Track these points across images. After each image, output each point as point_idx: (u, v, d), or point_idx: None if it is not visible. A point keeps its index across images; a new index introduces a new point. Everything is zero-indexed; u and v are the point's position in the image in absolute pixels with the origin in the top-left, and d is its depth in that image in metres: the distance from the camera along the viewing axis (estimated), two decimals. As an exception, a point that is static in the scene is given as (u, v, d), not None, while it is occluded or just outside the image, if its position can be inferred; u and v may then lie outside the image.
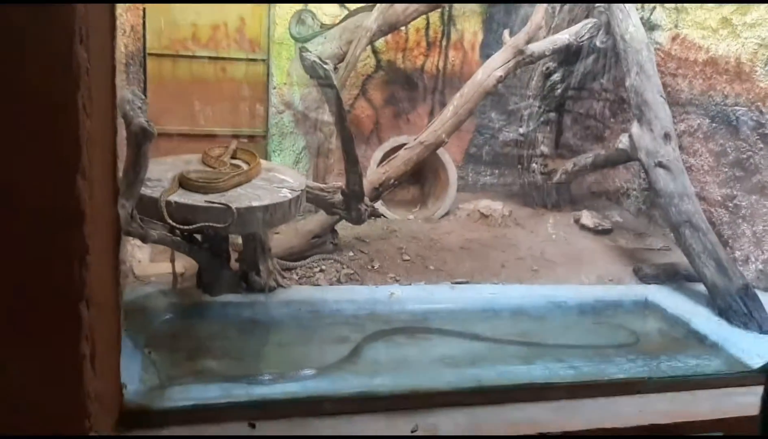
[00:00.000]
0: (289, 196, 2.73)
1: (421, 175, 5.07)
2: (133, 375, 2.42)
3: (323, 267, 3.66)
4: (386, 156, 4.37)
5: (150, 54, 4.38)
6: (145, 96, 4.41)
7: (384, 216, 4.46)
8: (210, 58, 4.55)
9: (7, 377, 1.95)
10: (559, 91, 4.93)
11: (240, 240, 3.22)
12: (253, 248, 3.17)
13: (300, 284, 3.48)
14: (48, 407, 2.01)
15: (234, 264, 3.23)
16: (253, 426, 2.26)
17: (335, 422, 2.31)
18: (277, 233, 3.85)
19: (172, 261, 2.57)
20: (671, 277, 3.88)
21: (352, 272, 3.65)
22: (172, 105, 4.53)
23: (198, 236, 2.79)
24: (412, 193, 5.12)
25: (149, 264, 3.50)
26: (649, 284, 3.89)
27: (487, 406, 2.50)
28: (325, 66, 2.85)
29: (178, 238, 2.47)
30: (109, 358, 2.14)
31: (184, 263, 3.19)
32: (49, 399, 2.00)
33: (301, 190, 2.82)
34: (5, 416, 1.96)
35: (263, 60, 4.64)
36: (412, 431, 2.31)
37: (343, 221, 3.67)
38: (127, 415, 2.20)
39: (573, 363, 2.83)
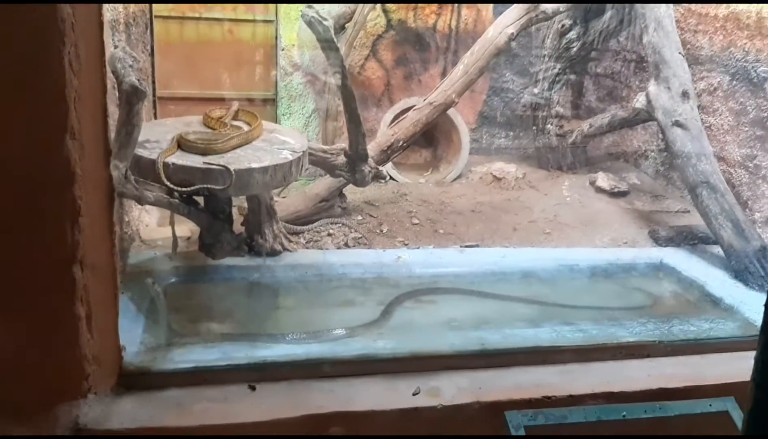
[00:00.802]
0: (290, 157, 2.68)
1: (434, 138, 4.98)
2: (135, 338, 2.42)
3: (331, 231, 3.62)
4: (397, 118, 4.29)
5: (157, 16, 4.32)
6: (153, 59, 4.40)
7: (392, 178, 4.40)
8: (217, 19, 4.48)
9: (1, 339, 1.95)
10: (575, 49, 4.78)
11: (246, 203, 3.19)
12: (258, 211, 3.14)
13: (307, 248, 3.45)
14: (45, 368, 2.01)
15: (240, 227, 3.20)
16: (253, 388, 2.25)
17: (334, 385, 2.30)
18: (283, 197, 3.82)
19: (172, 224, 2.54)
20: (687, 239, 3.78)
21: (360, 236, 3.61)
22: (180, 68, 4.48)
23: (200, 199, 2.76)
24: (425, 157, 5.04)
25: (156, 228, 3.49)
26: (665, 246, 3.80)
27: (491, 369, 2.47)
28: (324, 22, 2.77)
29: (176, 200, 2.44)
30: (107, 319, 2.13)
31: (191, 227, 3.17)
32: (45, 361, 2.00)
33: (303, 151, 2.77)
34: (2, 378, 1.97)
35: (271, 21, 4.55)
36: (413, 394, 2.29)
37: (356, 185, 3.61)
38: (126, 376, 2.21)
39: (582, 326, 2.77)
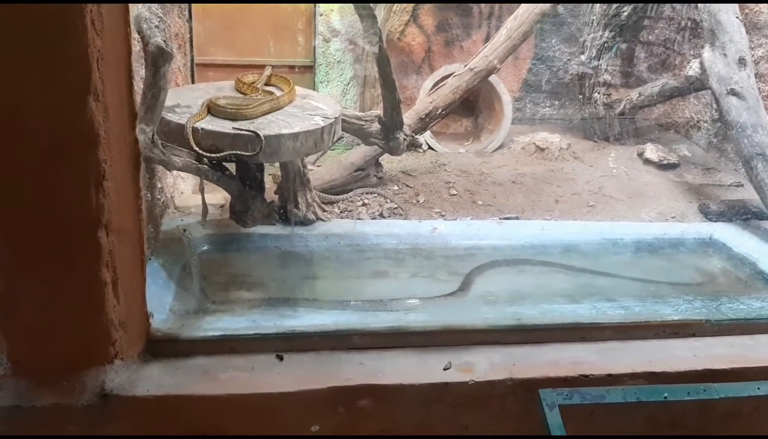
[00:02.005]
0: (322, 124, 2.60)
1: (475, 107, 4.85)
2: (164, 304, 2.40)
3: (366, 201, 3.56)
4: (437, 86, 4.17)
5: (194, -18, 4.27)
6: (191, 26, 4.36)
7: (431, 148, 4.30)
8: (255, -16, 4.41)
9: (27, 305, 1.94)
10: (625, 14, 4.56)
11: (279, 171, 3.14)
12: (292, 179, 3.09)
13: (341, 218, 3.39)
14: (71, 334, 1.99)
15: (272, 195, 3.16)
16: (280, 358, 2.21)
17: (364, 357, 2.24)
18: (318, 165, 3.76)
19: (202, 191, 2.50)
20: (740, 214, 3.59)
21: (395, 206, 3.53)
22: (218, 34, 4.44)
23: (232, 166, 2.72)
24: (465, 126, 4.91)
25: (191, 195, 3.47)
26: (715, 221, 3.62)
27: (527, 345, 2.37)
28: (357, -17, 2.67)
29: (205, 166, 2.39)
30: (133, 285, 2.10)
31: (225, 195, 3.13)
32: (71, 327, 1.98)
33: (335, 118, 2.69)
34: (28, 344, 1.97)
35: (309, -15, 4.46)
36: (444, 369, 2.22)
37: (390, 153, 3.53)
38: (154, 343, 2.19)
39: (623, 303, 2.65)
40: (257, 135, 2.39)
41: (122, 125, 1.97)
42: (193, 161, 2.34)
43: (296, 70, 4.53)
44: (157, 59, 2.00)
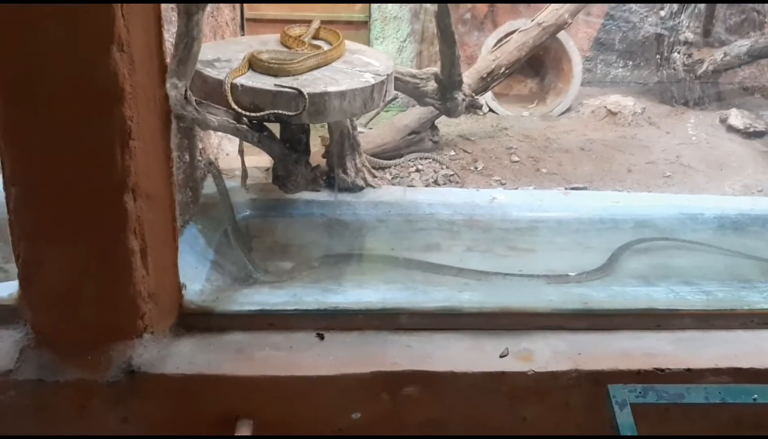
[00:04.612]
0: (372, 81, 2.38)
1: (542, 67, 4.54)
2: (200, 275, 2.25)
3: (420, 167, 3.34)
4: (500, 43, 3.88)
5: (245, -67, 4.07)
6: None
7: (492, 110, 4.03)
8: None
9: (50, 272, 1.81)
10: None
11: (327, 134, 2.95)
12: (341, 142, 2.89)
13: (393, 184, 3.19)
14: (98, 305, 1.85)
15: (320, 159, 2.97)
16: (321, 337, 2.03)
17: (412, 339, 2.03)
18: (370, 128, 3.55)
19: (241, 153, 2.33)
20: (839, 189, 3.23)
21: (451, 173, 3.30)
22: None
23: (275, 126, 2.53)
24: (530, 87, 4.62)
25: (237, 157, 3.31)
26: (810, 196, 3.27)
27: (595, 332, 2.12)
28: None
29: (245, 126, 2.21)
30: (164, 255, 1.94)
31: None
32: (97, 298, 1.83)
33: (387, 75, 2.46)
34: (51, 314, 1.85)
35: (365, -64, 4.21)
36: (501, 356, 2.00)
37: (447, 115, 3.28)
38: (186, 316, 2.03)
39: (705, 287, 2.37)
40: (300, 93, 2.19)
41: (151, 79, 1.79)
42: (231, 121, 2.16)
43: (348, 26, 4.30)
44: (190, 6, 1.81)
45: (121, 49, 1.64)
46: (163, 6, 2.09)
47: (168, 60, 1.93)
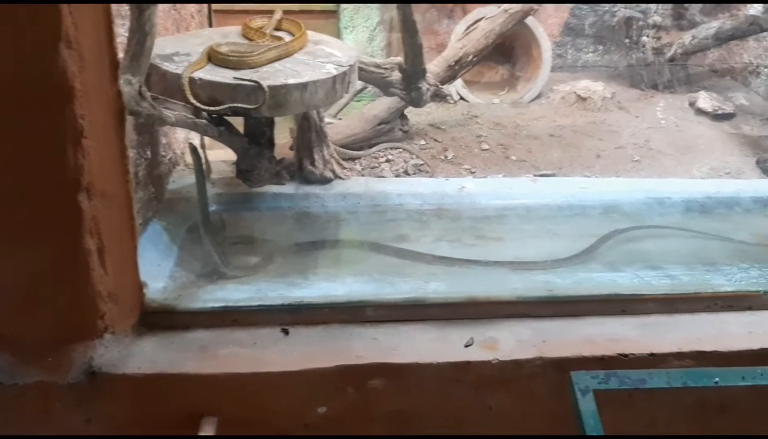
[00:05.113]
0: (334, 72, 2.35)
1: (512, 53, 4.52)
2: (163, 272, 2.23)
3: (390, 157, 3.32)
4: (469, 30, 3.85)
5: None
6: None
7: (462, 98, 4.01)
8: None
9: (6, 275, 1.77)
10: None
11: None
12: (308, 134, 2.86)
13: (363, 175, 3.17)
14: (56, 306, 1.81)
15: (287, 152, 2.95)
16: (286, 332, 2.02)
17: (378, 331, 2.03)
18: (339, 118, 3.52)
19: (202, 147, 2.30)
20: (804, 170, 3.27)
21: (421, 162, 3.29)
22: (235, -21, 4.18)
23: (240, 120, 2.50)
24: (501, 74, 4.59)
25: (202, 152, 3.27)
26: (776, 178, 3.29)
27: (559, 319, 2.13)
28: None
29: (204, 121, 2.18)
30: (123, 254, 1.92)
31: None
32: (55, 299, 1.80)
33: (350, 66, 2.43)
34: (10, 316, 1.81)
35: None
36: (466, 345, 2.00)
37: (412, 104, 3.26)
38: (148, 315, 2.01)
39: (670, 271, 2.39)
40: (260, 85, 2.16)
41: (102, 76, 1.76)
42: (189, 115, 2.13)
43: (317, 15, 4.25)
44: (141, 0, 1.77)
45: (70, 47, 1.61)
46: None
47: (121, 56, 1.91)
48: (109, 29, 1.75)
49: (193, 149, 2.34)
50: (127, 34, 1.91)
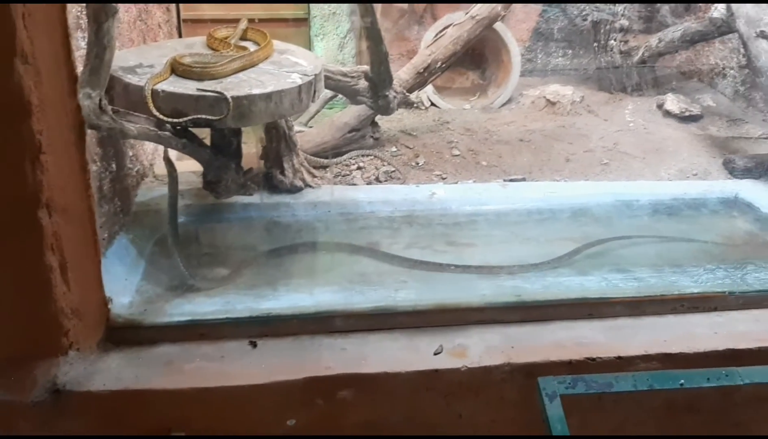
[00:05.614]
0: (299, 82, 2.35)
1: (483, 59, 4.54)
2: (130, 287, 2.20)
3: (361, 164, 3.31)
4: (438, 37, 3.86)
5: (173, -74, 3.97)
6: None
7: (434, 104, 4.02)
8: (243, -68, 4.10)
9: (-33, 294, 1.76)
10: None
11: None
12: (277, 143, 2.85)
13: (334, 183, 3.16)
14: (18, 325, 1.79)
15: (259, 161, 2.94)
16: (254, 345, 2.01)
17: (347, 341, 2.03)
18: (310, 127, 3.52)
19: (166, 161, 2.28)
20: (769, 170, 3.31)
21: (393, 169, 3.28)
22: (204, -13, 4.15)
23: (206, 131, 2.48)
24: (472, 80, 4.60)
25: (174, 162, 3.24)
26: (742, 178, 3.33)
27: (528, 324, 2.14)
28: None
29: (167, 133, 2.16)
30: (86, 269, 1.89)
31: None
32: (18, 317, 1.79)
33: (315, 75, 2.43)
34: (-29, 336, 1.79)
35: (301, -69, 4.14)
36: (435, 353, 2.01)
37: (380, 112, 3.26)
38: (114, 331, 1.99)
39: (637, 274, 2.41)
40: (224, 96, 2.15)
41: (60, 91, 1.74)
42: (152, 128, 2.11)
43: (288, 23, 4.24)
44: (99, 14, 1.75)
45: (25, 62, 1.59)
46: (74, 13, 2.04)
47: (80, 69, 1.89)
48: (66, 43, 1.73)
49: (169, 162, 2.32)
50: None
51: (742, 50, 3.53)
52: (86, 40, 1.89)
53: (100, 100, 1.84)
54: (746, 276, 2.43)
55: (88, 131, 1.88)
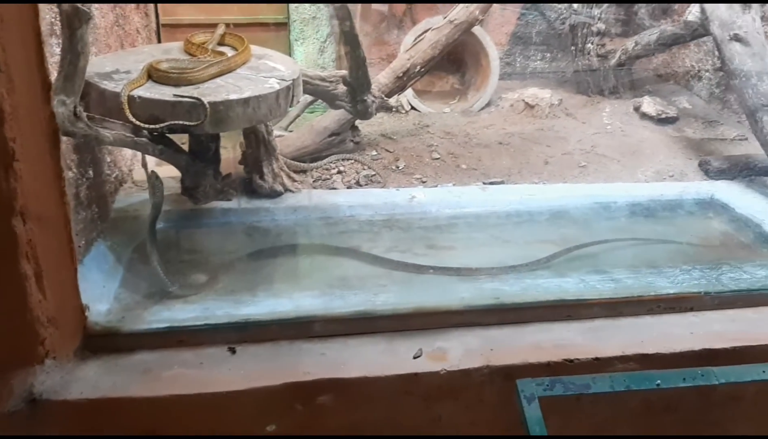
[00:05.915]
0: (277, 87, 2.35)
1: (462, 63, 4.56)
2: (108, 294, 2.19)
3: (342, 168, 3.31)
4: (416, 41, 3.87)
5: (154, -70, 3.95)
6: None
7: (414, 108, 4.03)
8: (222, -64, 4.08)
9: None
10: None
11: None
12: (256, 148, 2.85)
13: (314, 187, 3.16)
14: (-7, 334, 1.80)
15: (239, 166, 2.93)
16: (233, 351, 2.00)
17: (326, 346, 2.03)
18: (290, 131, 3.51)
19: (145, 167, 2.27)
20: (743, 171, 3.35)
21: (373, 173, 3.29)
22: (183, -8, 4.13)
23: (184, 137, 2.47)
24: (451, 84, 4.62)
25: (154, 168, 3.23)
26: (717, 179, 3.38)
27: (506, 326, 2.16)
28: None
29: (144, 139, 2.15)
30: (62, 277, 1.87)
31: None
32: (-9, 326, 1.79)
33: (293, 80, 2.43)
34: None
35: (279, -65, 4.14)
36: (414, 357, 2.01)
37: (358, 117, 3.27)
38: (91, 338, 1.97)
39: (614, 275, 2.43)
40: (200, 102, 2.14)
41: (34, 98, 1.72)
42: (128, 134, 2.10)
43: (268, 28, 4.23)
44: (72, 20, 1.74)
45: (-5, 68, 1.58)
46: (48, 20, 2.03)
47: (55, 76, 1.88)
48: (39, 50, 1.72)
49: (155, 176, 2.31)
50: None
51: (716, 53, 3.58)
52: (60, 46, 1.87)
53: (75, 106, 1.82)
54: (721, 276, 2.46)
55: (64, 138, 1.87)
